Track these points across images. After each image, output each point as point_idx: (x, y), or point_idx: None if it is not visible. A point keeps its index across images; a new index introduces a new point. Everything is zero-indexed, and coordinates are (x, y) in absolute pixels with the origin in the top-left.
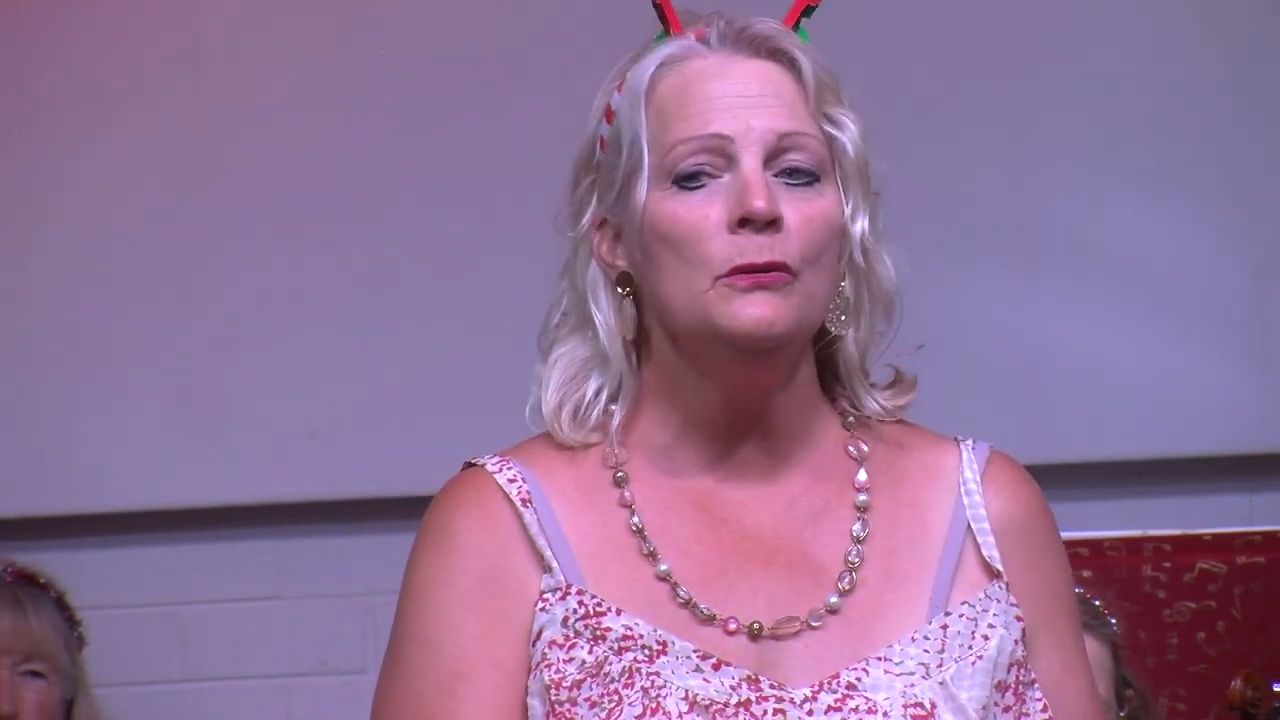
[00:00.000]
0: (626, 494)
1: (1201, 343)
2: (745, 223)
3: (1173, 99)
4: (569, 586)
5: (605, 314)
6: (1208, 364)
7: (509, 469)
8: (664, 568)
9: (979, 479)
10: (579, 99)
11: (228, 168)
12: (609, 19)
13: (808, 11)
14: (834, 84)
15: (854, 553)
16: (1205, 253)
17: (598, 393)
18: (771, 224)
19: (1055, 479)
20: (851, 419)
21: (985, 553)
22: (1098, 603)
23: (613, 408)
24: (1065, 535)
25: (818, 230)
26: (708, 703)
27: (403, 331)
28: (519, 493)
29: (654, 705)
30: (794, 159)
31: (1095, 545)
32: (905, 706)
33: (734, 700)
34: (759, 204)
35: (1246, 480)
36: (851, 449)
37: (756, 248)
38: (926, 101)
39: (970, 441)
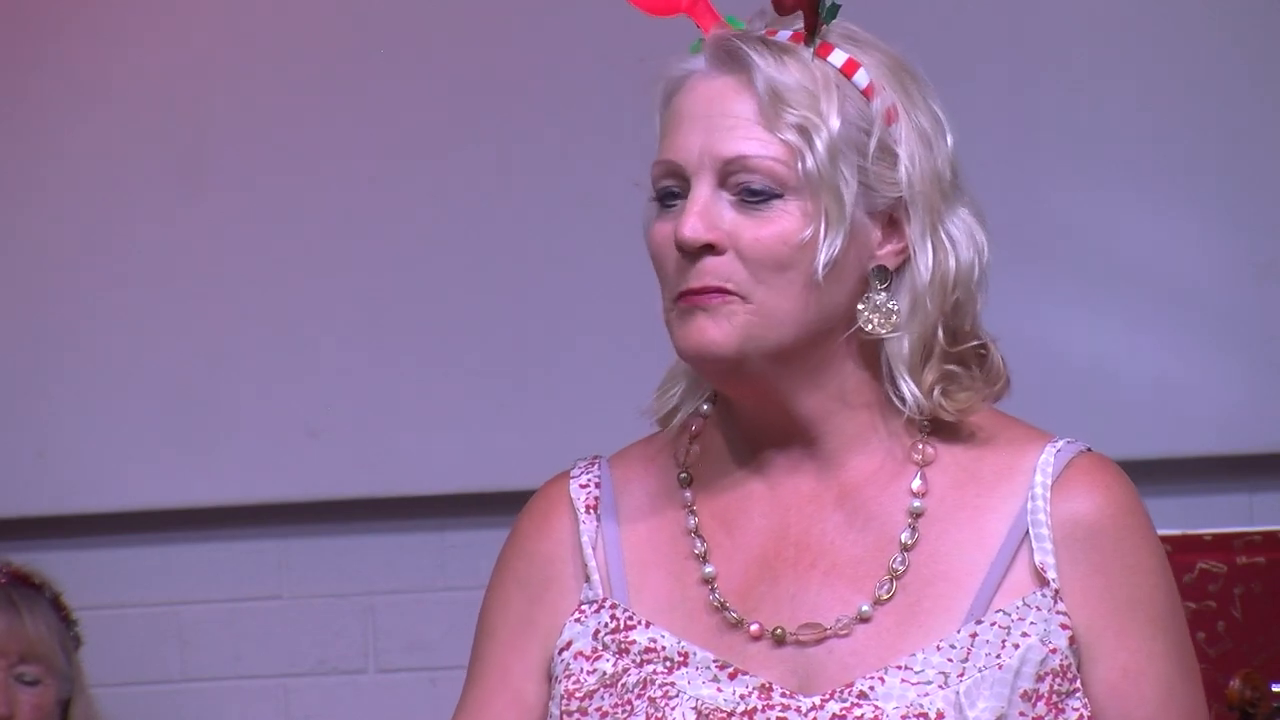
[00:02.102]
0: (688, 495)
1: (1201, 343)
2: (682, 249)
3: (1174, 98)
4: (604, 600)
5: None
6: (1208, 364)
7: (589, 474)
8: (709, 570)
9: (1049, 482)
10: (580, 101)
11: (227, 167)
12: (620, 24)
13: (832, 13)
14: (805, 94)
15: (899, 560)
16: (1205, 253)
17: (683, 385)
18: (707, 249)
19: None
20: (927, 421)
21: (1037, 559)
22: None
23: (704, 408)
24: None
25: (768, 249)
26: (712, 711)
27: (403, 331)
28: (586, 500)
29: (659, 715)
30: (744, 180)
31: None
32: (905, 717)
33: (740, 709)
34: (684, 233)
35: (1246, 480)
36: (915, 454)
37: (696, 273)
38: None
39: (1061, 442)
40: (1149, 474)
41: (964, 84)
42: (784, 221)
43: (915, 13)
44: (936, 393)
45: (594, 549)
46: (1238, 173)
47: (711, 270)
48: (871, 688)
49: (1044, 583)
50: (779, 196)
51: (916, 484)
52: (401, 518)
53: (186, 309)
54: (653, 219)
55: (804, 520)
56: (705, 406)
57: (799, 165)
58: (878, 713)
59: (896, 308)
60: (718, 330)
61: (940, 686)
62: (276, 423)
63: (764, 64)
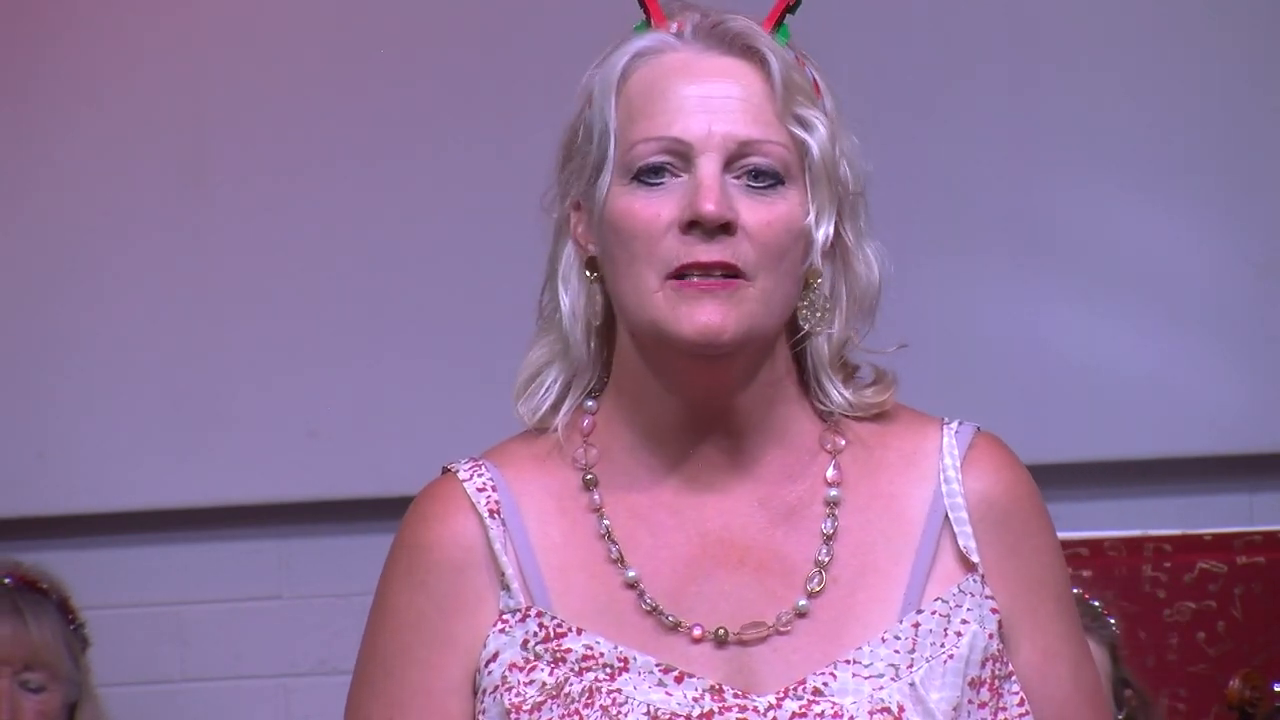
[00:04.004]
0: (596, 497)
1: (1201, 343)
2: (695, 225)
3: (1173, 98)
4: (528, 608)
5: (573, 297)
6: (1208, 364)
7: (480, 475)
8: (631, 574)
9: (958, 464)
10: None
11: (227, 168)
12: (612, 20)
13: (792, 8)
14: (806, 84)
15: (824, 551)
16: (1205, 253)
17: (554, 382)
18: (723, 228)
19: (1055, 479)
20: (830, 412)
21: (962, 544)
22: (1097, 604)
23: (588, 404)
24: (1065, 535)
25: (776, 234)
26: (669, 716)
27: (402, 331)
28: (487, 503)
29: None
30: (755, 162)
31: (1095, 545)
32: (872, 712)
33: (697, 712)
34: (709, 207)
35: (1246, 480)
36: (826, 443)
37: (705, 249)
38: (925, 99)
39: (955, 424)
40: (1149, 474)
41: (964, 83)
42: (785, 207)
43: (915, 12)
44: (850, 391)
45: (506, 555)
46: (1238, 173)
47: (721, 248)
48: (825, 684)
49: (971, 568)
50: (781, 183)
51: (831, 473)
52: (401, 518)
53: (187, 309)
54: (624, 195)
55: (723, 516)
56: (590, 403)
57: (806, 155)
58: (837, 709)
59: (830, 306)
60: (726, 315)
61: (892, 679)
62: (276, 423)
63: (779, 52)
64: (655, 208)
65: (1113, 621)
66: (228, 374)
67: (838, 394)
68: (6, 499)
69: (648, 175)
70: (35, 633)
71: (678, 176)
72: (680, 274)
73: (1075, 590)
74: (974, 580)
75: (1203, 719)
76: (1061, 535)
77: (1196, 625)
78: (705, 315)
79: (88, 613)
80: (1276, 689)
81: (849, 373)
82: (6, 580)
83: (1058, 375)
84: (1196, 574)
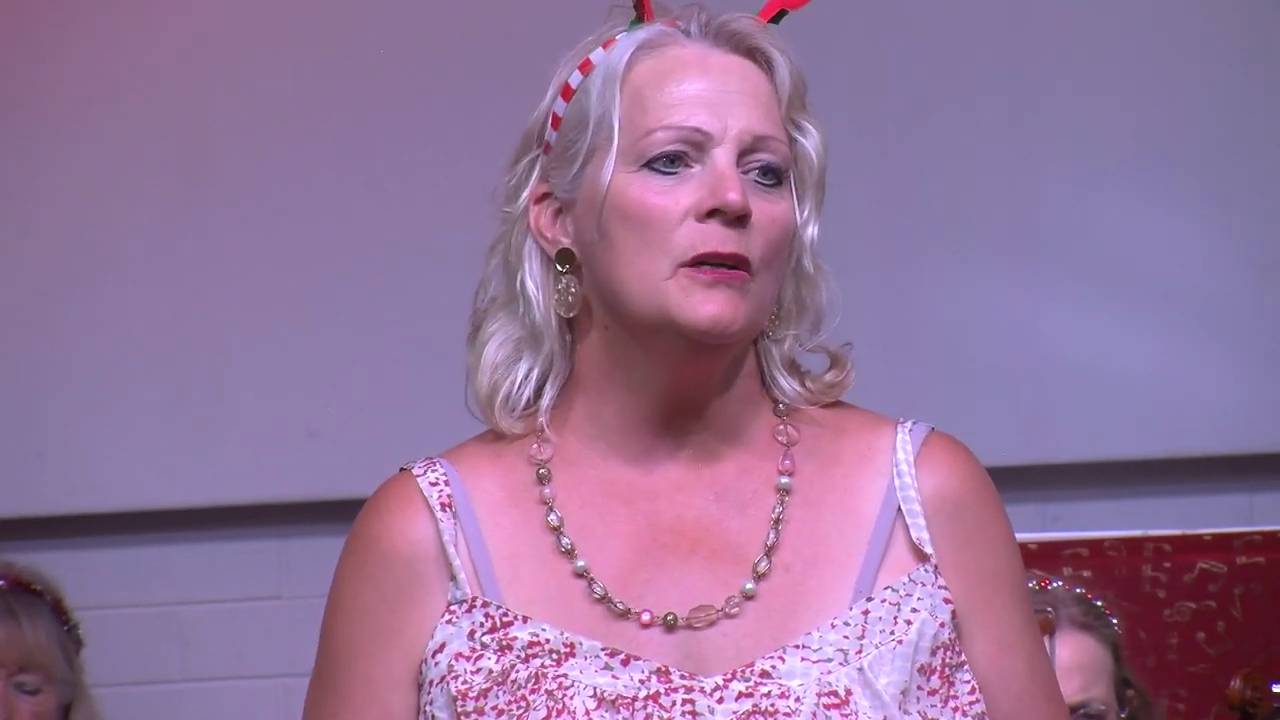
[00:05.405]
0: (547, 490)
1: (1201, 343)
2: (714, 214)
3: (1174, 98)
4: (474, 599)
5: (539, 288)
6: (1208, 364)
7: (434, 471)
8: (581, 564)
9: (912, 460)
10: None
11: (227, 167)
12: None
13: (778, 18)
14: (804, 89)
15: (771, 535)
16: (1205, 253)
17: (528, 374)
18: (740, 219)
19: (1055, 479)
20: (783, 405)
21: (914, 535)
22: (1099, 603)
23: (543, 392)
24: (1065, 535)
25: (779, 230)
26: (615, 698)
27: (403, 331)
28: (439, 497)
29: (559, 707)
30: (764, 158)
31: (1095, 545)
32: (819, 694)
33: (642, 694)
34: (733, 196)
35: (1246, 480)
36: (780, 436)
37: (722, 238)
38: (926, 99)
39: (909, 423)
40: (1149, 474)
41: (964, 84)
42: (784, 206)
43: (914, 11)
44: (808, 381)
45: (456, 547)
46: (1238, 173)
47: (737, 239)
48: (773, 667)
49: (924, 558)
50: (781, 183)
51: (784, 463)
52: None
53: (186, 309)
54: (633, 182)
55: (676, 507)
56: (545, 401)
57: (808, 160)
58: (784, 691)
59: (792, 309)
60: (737, 307)
61: (840, 664)
62: (276, 423)
63: (786, 54)
64: (671, 195)
65: (1114, 621)
66: (228, 374)
67: (794, 386)
68: (6, 499)
69: (662, 163)
70: (29, 634)
71: (690, 167)
72: (696, 262)
73: (1077, 590)
74: (926, 570)
75: (1203, 719)
76: (1061, 535)
77: (1196, 625)
78: (718, 305)
79: (88, 613)
80: (1277, 689)
81: (799, 371)
82: (0, 581)
83: (1058, 375)
84: (1196, 574)
